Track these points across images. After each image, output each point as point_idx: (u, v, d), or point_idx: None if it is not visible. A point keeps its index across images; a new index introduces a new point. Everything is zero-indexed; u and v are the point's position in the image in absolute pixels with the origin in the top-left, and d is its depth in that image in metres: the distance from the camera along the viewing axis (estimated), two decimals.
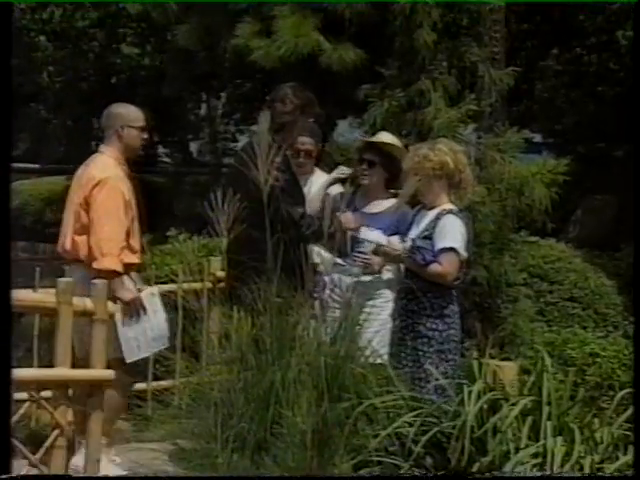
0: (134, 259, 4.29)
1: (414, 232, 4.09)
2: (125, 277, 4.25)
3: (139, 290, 4.30)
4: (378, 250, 4.10)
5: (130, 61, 13.60)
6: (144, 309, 4.24)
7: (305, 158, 4.75)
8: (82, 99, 13.80)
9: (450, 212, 4.00)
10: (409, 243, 4.06)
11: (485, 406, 3.37)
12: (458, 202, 4.09)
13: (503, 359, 4.50)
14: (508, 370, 3.71)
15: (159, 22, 10.31)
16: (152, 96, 13.04)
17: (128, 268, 4.27)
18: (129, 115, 4.37)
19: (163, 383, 4.44)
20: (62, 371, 4.10)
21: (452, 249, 3.95)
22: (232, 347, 3.69)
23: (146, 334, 4.24)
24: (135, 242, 4.32)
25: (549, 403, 3.43)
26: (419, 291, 3.90)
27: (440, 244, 3.94)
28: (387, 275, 4.32)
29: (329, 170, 5.02)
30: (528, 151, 5.72)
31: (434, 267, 3.93)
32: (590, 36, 11.20)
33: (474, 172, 5.34)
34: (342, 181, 4.61)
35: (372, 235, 4.26)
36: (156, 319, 4.27)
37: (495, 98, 5.66)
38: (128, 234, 4.26)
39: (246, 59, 6.74)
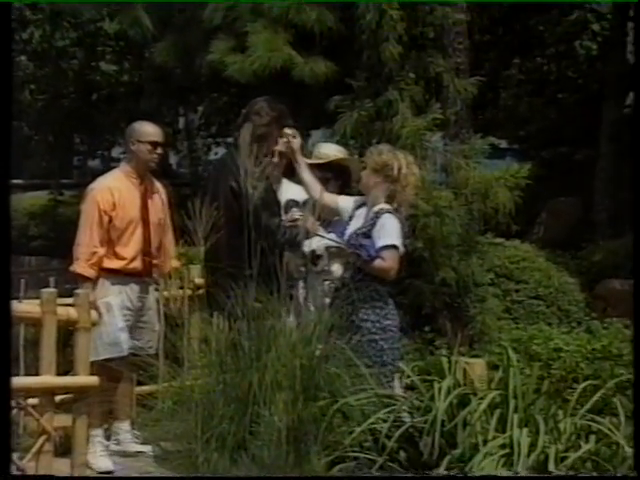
0: (119, 265, 4.42)
1: (352, 227, 4.14)
2: (107, 283, 4.36)
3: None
4: (330, 248, 4.15)
5: (109, 78, 13.57)
6: (99, 315, 4.30)
7: (278, 158, 4.76)
8: (63, 116, 13.74)
9: (388, 211, 4.07)
10: (347, 237, 4.10)
11: (455, 401, 3.41)
12: (397, 203, 4.12)
13: (472, 356, 4.55)
14: (477, 366, 3.74)
15: (136, 40, 10.28)
16: (131, 111, 13.00)
17: (112, 274, 4.40)
18: (140, 130, 4.51)
19: (146, 388, 4.43)
20: (47, 379, 4.09)
21: (393, 246, 4.01)
22: (212, 351, 3.69)
23: (102, 339, 4.32)
24: (125, 250, 4.44)
25: (515, 397, 3.46)
26: (353, 283, 3.94)
27: (382, 241, 4.00)
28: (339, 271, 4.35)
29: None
30: (492, 157, 5.78)
31: (378, 262, 3.99)
32: (550, 46, 11.36)
33: (440, 178, 5.42)
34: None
35: (330, 235, 4.30)
36: (109, 327, 4.38)
37: (460, 107, 5.73)
38: (113, 241, 4.39)
39: (221, 74, 6.75)
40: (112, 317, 4.39)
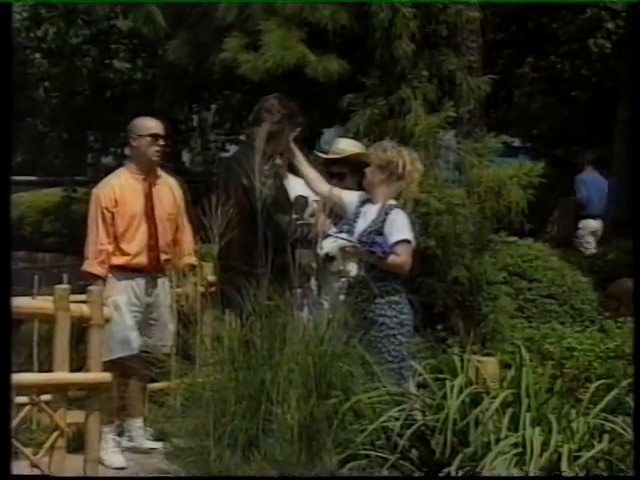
0: (123, 261, 4.46)
1: (361, 225, 4.13)
2: (114, 280, 4.44)
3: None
4: (344, 248, 4.13)
5: (122, 75, 13.60)
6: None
7: (280, 159, 4.76)
8: (77, 113, 13.80)
9: (396, 207, 4.09)
10: (356, 235, 4.10)
11: (467, 399, 3.40)
12: (404, 200, 4.13)
13: (484, 355, 4.54)
14: (489, 365, 3.74)
15: (149, 38, 10.31)
16: (144, 109, 13.01)
17: (118, 270, 4.45)
18: (140, 125, 4.52)
19: (158, 385, 4.44)
20: (60, 375, 4.11)
21: (406, 240, 4.03)
22: (224, 349, 3.70)
23: (113, 338, 4.33)
24: (130, 245, 4.47)
25: (528, 396, 3.45)
26: (369, 280, 3.94)
27: (395, 237, 4.02)
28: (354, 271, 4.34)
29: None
30: (505, 155, 5.76)
31: (393, 258, 4.00)
32: (563, 44, 11.30)
33: (453, 176, 5.40)
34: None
35: (343, 235, 4.27)
36: (117, 325, 4.40)
37: (473, 105, 5.70)
38: (118, 238, 4.43)
39: (234, 72, 6.75)
40: (121, 316, 4.42)
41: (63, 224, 12.93)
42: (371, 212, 4.15)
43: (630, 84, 8.86)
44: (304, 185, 4.66)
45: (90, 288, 4.14)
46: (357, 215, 4.21)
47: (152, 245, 4.51)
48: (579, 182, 9.08)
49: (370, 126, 5.40)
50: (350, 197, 4.29)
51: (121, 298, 4.44)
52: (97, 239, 4.41)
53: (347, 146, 4.75)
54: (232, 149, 13.39)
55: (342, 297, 4.06)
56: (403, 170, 4.10)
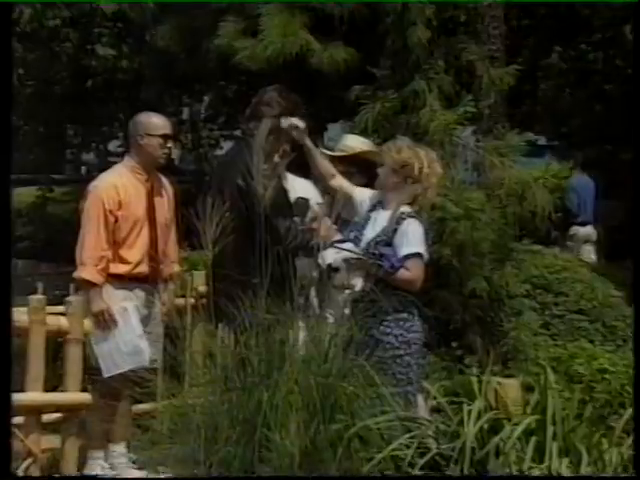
0: (124, 269, 4.44)
1: (370, 233, 4.13)
2: (110, 289, 4.34)
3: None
4: (349, 259, 4.12)
5: (106, 63, 13.66)
6: (115, 323, 4.32)
7: (281, 158, 4.79)
8: (55, 104, 13.85)
9: (410, 215, 4.06)
10: (364, 244, 4.09)
11: (486, 426, 3.40)
12: (419, 206, 4.13)
13: (505, 376, 4.53)
14: (511, 388, 3.74)
15: (136, 21, 10.36)
16: (130, 100, 13.09)
17: (116, 279, 4.41)
18: (149, 123, 4.55)
19: (143, 406, 4.45)
20: (34, 396, 4.13)
21: (418, 254, 4.02)
22: (216, 367, 3.70)
23: (120, 349, 4.32)
24: (131, 252, 4.47)
25: (554, 422, 3.45)
26: (373, 294, 3.95)
27: (406, 250, 4.00)
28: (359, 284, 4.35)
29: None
30: (530, 154, 5.78)
31: (402, 273, 3.99)
32: (596, 32, 11.31)
33: (472, 177, 5.42)
34: (326, 190, 4.63)
35: (348, 245, 4.26)
36: (129, 335, 4.34)
37: (494, 99, 5.73)
38: (119, 243, 4.40)
39: (230, 60, 6.79)
40: (129, 323, 4.41)
41: (38, 227, 12.97)
42: (382, 219, 4.14)
43: None
44: (305, 186, 4.67)
45: (69, 299, 4.16)
46: (367, 221, 4.21)
47: (153, 252, 4.52)
48: (568, 187, 9.10)
49: (380, 122, 5.43)
50: (362, 197, 4.30)
51: (129, 304, 4.43)
52: (97, 244, 4.37)
53: (355, 143, 4.77)
54: (227, 146, 13.43)
55: (347, 311, 4.07)
56: (420, 173, 4.08)
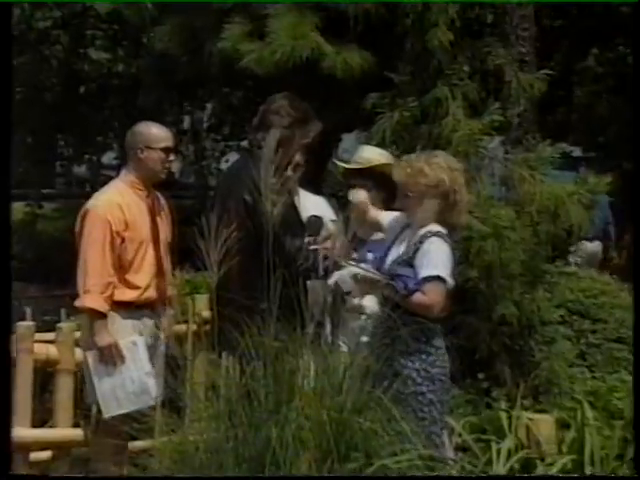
0: (132, 296, 4.43)
1: (393, 255, 4.13)
2: (117, 318, 4.34)
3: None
4: (357, 277, 4.12)
5: (100, 67, 13.76)
6: (122, 359, 4.31)
7: (293, 171, 4.82)
8: (45, 112, 13.95)
9: (436, 234, 4.03)
10: (387, 267, 4.08)
11: (517, 466, 3.40)
12: (449, 225, 4.11)
13: (537, 411, 4.53)
14: (543, 424, 3.75)
15: (133, 22, 10.44)
16: (126, 108, 13.18)
17: (122, 307, 4.40)
18: (149, 135, 4.56)
19: (139, 443, 4.45)
20: (21, 432, 4.14)
21: (438, 277, 3.98)
22: (220, 400, 3.71)
23: (125, 387, 4.31)
24: (138, 277, 4.46)
25: (592, 463, 3.45)
26: (394, 322, 3.93)
27: (424, 271, 3.96)
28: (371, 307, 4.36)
29: (333, 191, 5.07)
30: (564, 167, 5.78)
31: (418, 297, 3.96)
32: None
33: (500, 192, 5.42)
34: (341, 206, 4.66)
35: (362, 266, 4.26)
36: (137, 371, 4.33)
37: (524, 106, 5.74)
38: (125, 267, 4.37)
39: (235, 64, 6.83)
40: (138, 359, 4.40)
41: (26, 246, 13.04)
42: (407, 239, 4.14)
43: None
44: (318, 203, 4.69)
45: (60, 325, 4.17)
46: (393, 242, 4.20)
47: (160, 275, 4.52)
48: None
49: (399, 132, 5.45)
50: (390, 223, 4.29)
51: (138, 338, 4.42)
52: (104, 269, 4.34)
53: (372, 155, 4.79)
54: (232, 158, 13.48)
55: (363, 338, 4.07)
56: (454, 192, 4.06)
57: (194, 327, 4.96)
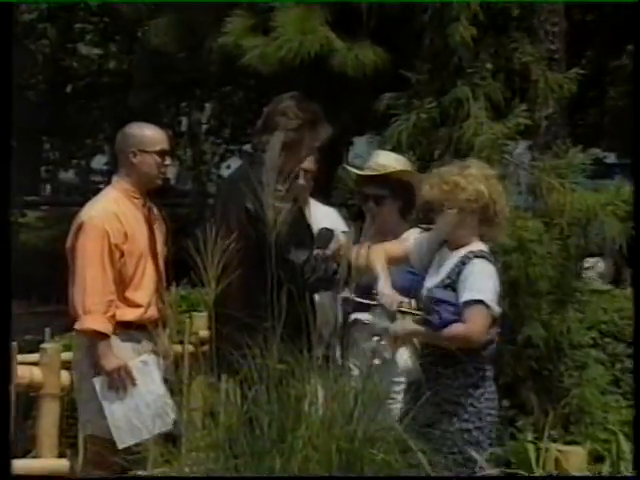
0: (133, 315, 4.39)
1: (432, 280, 4.05)
2: (116, 341, 4.34)
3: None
4: (392, 308, 4.07)
5: (90, 64, 13.83)
6: (133, 381, 4.30)
7: (305, 179, 4.83)
8: (28, 112, 14.00)
9: (480, 255, 3.97)
10: (425, 293, 4.02)
11: None
12: (489, 240, 4.08)
13: (568, 442, 4.52)
14: (574, 456, 3.73)
15: (126, 16, 10.49)
16: (118, 108, 13.22)
17: (121, 328, 4.36)
18: (143, 137, 4.54)
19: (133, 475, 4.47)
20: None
21: (481, 302, 3.89)
22: (219, 427, 3.72)
23: (140, 412, 4.28)
24: (138, 294, 4.43)
25: None
26: (440, 351, 3.90)
27: (465, 295, 3.88)
28: None
29: (343, 200, 5.08)
30: (597, 175, 5.78)
31: (455, 328, 3.87)
32: None
33: (526, 202, 5.41)
34: (353, 216, 4.67)
35: (387, 289, 4.22)
36: (151, 394, 4.32)
37: (553, 108, 5.75)
38: (125, 284, 4.37)
39: (237, 62, 6.86)
40: (151, 381, 4.36)
41: None
42: (448, 261, 4.03)
43: None
44: (329, 214, 4.70)
45: (44, 346, 4.18)
46: (429, 264, 4.13)
47: (159, 292, 4.50)
48: None
49: (415, 136, 5.46)
50: (420, 244, 4.21)
51: (149, 357, 4.38)
52: (105, 287, 4.29)
53: (388, 161, 4.79)
54: (233, 163, 13.52)
55: (376, 361, 4.07)
56: (493, 202, 4.00)
57: (191, 348, 4.96)
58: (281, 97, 4.59)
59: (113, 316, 4.32)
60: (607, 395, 5.78)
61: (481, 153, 5.17)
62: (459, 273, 3.96)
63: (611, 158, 12.52)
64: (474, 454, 3.79)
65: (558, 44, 6.00)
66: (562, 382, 5.52)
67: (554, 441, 3.96)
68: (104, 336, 4.29)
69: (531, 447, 3.65)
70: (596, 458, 3.84)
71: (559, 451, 3.68)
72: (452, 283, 3.96)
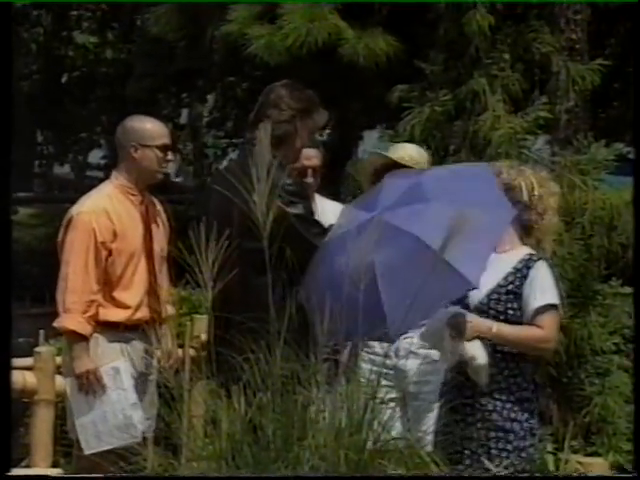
0: (121, 316, 4.43)
1: (488, 284, 3.92)
2: (103, 341, 4.38)
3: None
4: (453, 323, 3.90)
5: (86, 53, 13.84)
6: (102, 388, 4.32)
7: (313, 177, 4.83)
8: (21, 104, 14.02)
9: (542, 259, 3.93)
10: (477, 302, 3.93)
11: None
12: (538, 243, 4.02)
13: (589, 454, 4.52)
14: (597, 468, 3.73)
15: (124, 3, 10.50)
16: (116, 100, 13.24)
17: (108, 328, 4.40)
18: (144, 131, 4.56)
19: None
20: None
21: (555, 307, 3.89)
22: (221, 436, 3.72)
23: (107, 420, 4.31)
24: (127, 294, 4.46)
25: None
26: (501, 364, 3.85)
27: (540, 300, 3.84)
28: None
29: (352, 195, 5.08)
30: (620, 172, 5.77)
31: (533, 332, 3.85)
32: None
33: None
34: None
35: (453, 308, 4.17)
36: (119, 403, 4.34)
37: (575, 101, 5.75)
38: (112, 283, 4.40)
39: (241, 51, 6.86)
40: (121, 389, 4.39)
41: None
42: (501, 264, 3.94)
43: None
44: (336, 210, 4.69)
45: (38, 350, 4.19)
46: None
47: (153, 293, 4.52)
48: None
49: (429, 129, 5.47)
50: None
51: (122, 363, 4.42)
52: (86, 286, 4.35)
53: (416, 154, 4.70)
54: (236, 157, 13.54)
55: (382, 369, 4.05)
56: (530, 196, 3.96)
57: (192, 352, 4.97)
58: (272, 86, 4.55)
59: (94, 316, 4.37)
60: (630, 404, 5.78)
61: (499, 148, 5.19)
62: (524, 277, 3.91)
63: (635, 154, 12.49)
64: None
65: (580, 33, 5.99)
66: (583, 390, 5.52)
67: (575, 452, 3.96)
68: (81, 337, 4.33)
69: (550, 458, 3.64)
70: (619, 470, 3.83)
71: (580, 463, 3.68)
72: (516, 288, 3.90)
